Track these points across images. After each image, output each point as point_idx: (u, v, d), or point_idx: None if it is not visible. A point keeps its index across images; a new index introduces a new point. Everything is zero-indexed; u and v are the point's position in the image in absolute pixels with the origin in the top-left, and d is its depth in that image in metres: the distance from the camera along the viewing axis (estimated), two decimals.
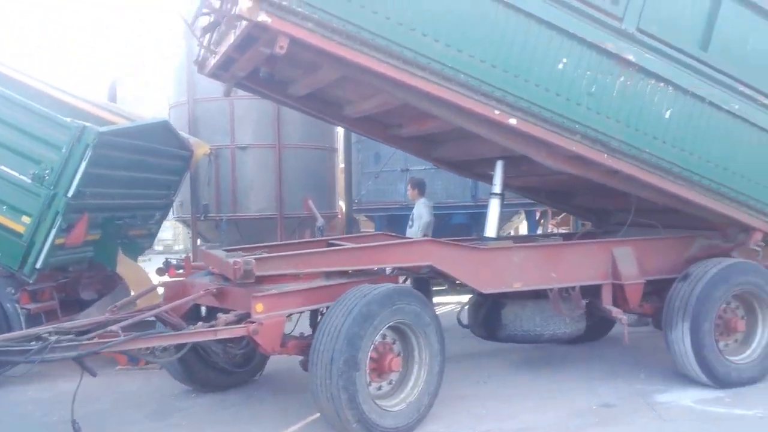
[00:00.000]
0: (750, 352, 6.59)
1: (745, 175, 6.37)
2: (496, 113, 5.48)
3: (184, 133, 9.83)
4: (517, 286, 6.38)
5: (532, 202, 10.11)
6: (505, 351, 8.01)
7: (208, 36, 6.23)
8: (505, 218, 12.37)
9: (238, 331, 4.99)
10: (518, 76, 5.44)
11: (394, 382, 5.47)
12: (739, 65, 6.24)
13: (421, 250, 6.06)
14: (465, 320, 7.27)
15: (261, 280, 5.50)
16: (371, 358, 5.27)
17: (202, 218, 11.43)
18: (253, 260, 5.13)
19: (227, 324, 5.12)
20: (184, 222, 12.48)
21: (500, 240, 6.77)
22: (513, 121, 5.56)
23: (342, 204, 13.65)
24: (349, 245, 6.16)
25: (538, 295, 6.65)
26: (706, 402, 6.07)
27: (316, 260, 5.64)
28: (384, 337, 5.37)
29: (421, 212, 9.32)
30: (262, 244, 6.77)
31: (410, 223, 9.63)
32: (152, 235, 9.70)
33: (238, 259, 5.13)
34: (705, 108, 6.13)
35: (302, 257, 5.61)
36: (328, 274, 5.74)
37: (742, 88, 6.23)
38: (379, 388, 5.37)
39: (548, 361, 7.66)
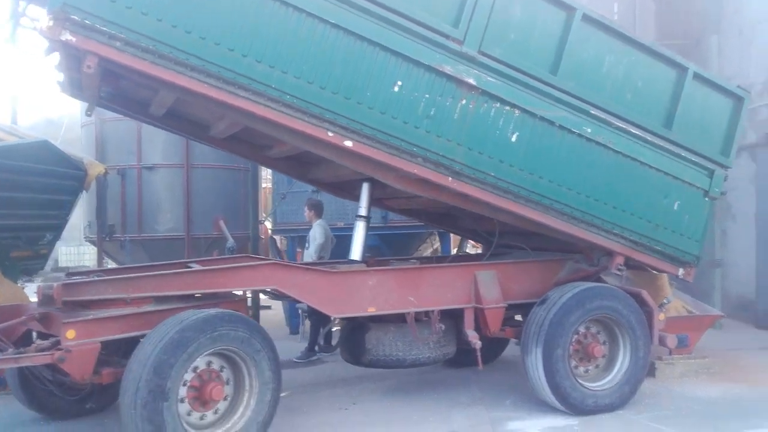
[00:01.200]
0: (610, 378, 6.50)
1: (600, 199, 6.33)
2: (330, 135, 5.39)
3: (77, 153, 9.64)
4: (372, 311, 6.25)
5: None
6: (387, 375, 7.86)
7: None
8: (419, 240, 12.31)
9: (41, 358, 4.81)
10: (349, 98, 5.35)
11: (220, 411, 5.30)
12: (593, 88, 6.24)
13: (266, 273, 5.92)
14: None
15: (89, 305, 5.33)
16: (193, 386, 5.11)
17: (108, 239, 11.22)
18: (55, 285, 4.96)
19: (38, 350, 4.93)
20: (92, 242, 12.24)
21: (354, 263, 6.64)
22: (349, 144, 5.47)
23: (268, 224, 13.48)
24: (192, 269, 6.00)
25: (403, 320, 6.54)
26: (554, 430, 5.96)
27: (145, 284, 5.47)
28: (209, 364, 5.21)
29: (315, 234, 9.22)
30: (102, 268, 6.59)
31: (306, 244, 9.52)
32: (43, 257, 9.45)
33: (42, 284, 4.95)
34: (555, 132, 6.10)
35: (130, 281, 5.45)
36: (161, 299, 5.57)
37: (594, 111, 6.21)
38: (202, 418, 5.19)
39: (422, 386, 7.52)
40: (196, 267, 6.19)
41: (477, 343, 6.36)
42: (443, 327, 6.55)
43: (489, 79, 5.78)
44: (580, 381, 6.34)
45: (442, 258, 7.53)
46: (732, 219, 11.57)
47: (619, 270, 6.64)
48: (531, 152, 6.03)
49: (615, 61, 6.33)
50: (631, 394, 6.48)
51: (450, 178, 5.83)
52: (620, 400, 6.42)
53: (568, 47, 6.07)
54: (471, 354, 7.32)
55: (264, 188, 15.58)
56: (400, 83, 5.49)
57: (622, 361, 6.52)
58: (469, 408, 6.64)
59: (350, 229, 11.49)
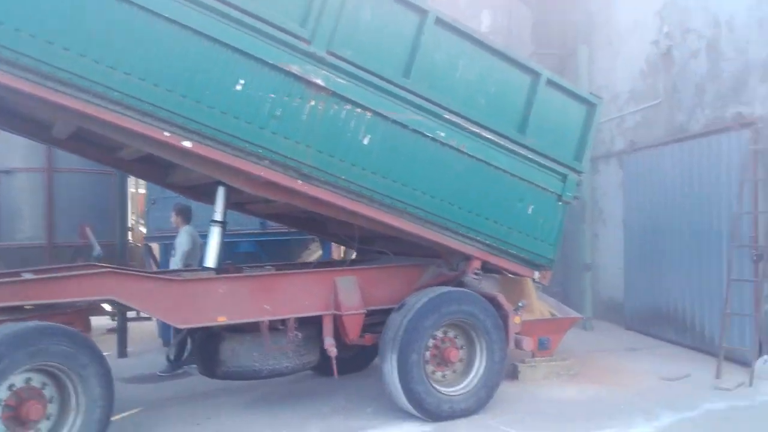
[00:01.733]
0: (467, 382, 6.49)
1: (455, 203, 6.33)
2: (166, 135, 5.11)
3: None
4: (222, 320, 5.98)
5: None
6: (254, 386, 7.56)
7: None
8: (301, 246, 12.06)
9: None
10: (186, 96, 5.09)
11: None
12: (447, 92, 6.23)
13: (101, 282, 5.54)
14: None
15: None
16: (8, 405, 4.70)
17: None
18: None
19: None
20: None
21: (201, 271, 6.35)
22: (188, 144, 5.20)
23: (144, 230, 12.85)
24: (23, 278, 5.55)
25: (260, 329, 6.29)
26: None
27: None
28: (28, 381, 4.80)
29: (182, 240, 8.83)
30: None
31: (173, 252, 9.10)
32: None
33: None
34: (408, 135, 6.04)
35: None
36: None
37: (448, 115, 6.20)
38: None
39: (287, 397, 7.29)
40: (28, 276, 5.73)
41: (332, 351, 6.20)
42: (299, 335, 6.36)
43: (339, 80, 5.65)
44: (436, 386, 6.30)
45: (305, 264, 7.35)
46: (603, 223, 11.99)
47: (476, 274, 6.64)
48: (384, 155, 5.94)
49: (469, 65, 6.36)
50: (488, 397, 6.49)
51: (299, 181, 5.66)
52: (477, 404, 6.41)
53: (421, 50, 6.04)
54: (344, 362, 7.24)
55: (142, 194, 14.93)
56: (243, 82, 5.27)
57: (479, 365, 6.53)
58: (327, 419, 6.47)
59: (230, 235, 11.35)
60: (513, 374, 7.76)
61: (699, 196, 8.93)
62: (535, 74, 6.69)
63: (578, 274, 11.55)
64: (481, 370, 6.51)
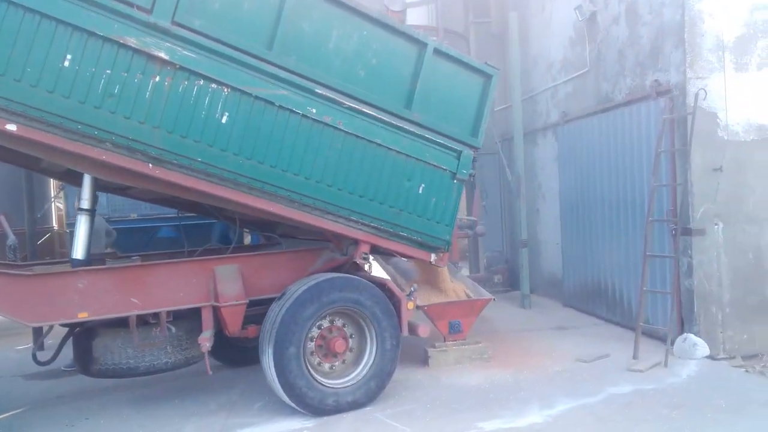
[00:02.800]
0: (356, 373, 6.13)
1: (333, 185, 5.91)
2: None
3: None
4: (84, 316, 5.58)
5: None
6: (149, 382, 7.12)
7: None
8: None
9: None
10: (5, 75, 4.63)
11: None
12: (319, 66, 5.78)
13: None
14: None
15: None
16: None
17: None
18: None
19: None
20: None
21: (51, 264, 5.92)
22: (12, 128, 4.76)
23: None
24: None
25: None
26: None
27: None
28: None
29: None
30: None
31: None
32: None
33: None
34: (275, 112, 5.61)
35: None
36: None
37: (321, 90, 5.75)
38: None
39: (177, 393, 6.89)
40: None
41: (203, 346, 5.79)
42: (173, 329, 5.97)
43: (187, 53, 5.19)
44: (322, 379, 5.94)
45: (190, 253, 6.91)
46: (542, 198, 11.60)
47: (363, 258, 6.24)
48: (248, 135, 5.50)
49: (344, 35, 5.89)
50: (379, 388, 6.13)
51: (150, 165, 5.22)
52: (366, 396, 6.05)
53: (285, 20, 5.58)
54: (249, 352, 7.01)
55: None
56: (70, 57, 4.81)
57: (370, 354, 6.17)
58: (210, 416, 6.10)
59: (150, 219, 10.92)
60: (424, 360, 7.41)
61: (623, 168, 8.55)
62: (421, 44, 6.24)
63: (518, 250, 11.19)
64: (372, 360, 6.14)
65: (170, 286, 5.92)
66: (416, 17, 11.04)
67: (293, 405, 5.80)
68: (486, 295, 7.71)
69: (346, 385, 6.02)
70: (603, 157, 9.06)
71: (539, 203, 11.71)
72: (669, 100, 7.53)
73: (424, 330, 6.48)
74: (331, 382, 6.00)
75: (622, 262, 8.72)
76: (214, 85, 5.33)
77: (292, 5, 5.57)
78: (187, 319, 6.08)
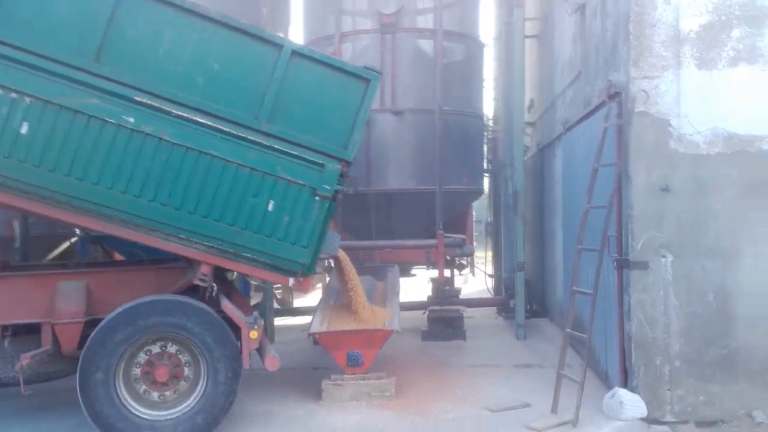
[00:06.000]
0: (185, 405, 5.61)
1: (156, 199, 5.43)
2: None
3: None
4: None
5: None
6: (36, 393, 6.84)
7: None
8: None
9: None
10: None
11: None
12: (141, 70, 5.40)
13: None
14: None
15: None
16: None
17: None
18: None
19: None
20: None
21: None
22: None
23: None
24: None
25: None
26: None
27: None
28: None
29: None
30: None
31: None
32: None
33: None
34: (85, 122, 5.27)
35: None
36: None
37: (141, 97, 5.33)
38: None
39: (48, 407, 6.61)
40: None
41: (19, 365, 5.52)
42: (6, 344, 5.81)
43: None
44: (138, 409, 5.50)
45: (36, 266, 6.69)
46: (556, 215, 10.28)
47: (202, 280, 5.70)
48: (53, 147, 5.20)
49: (179, 40, 5.44)
50: (208, 425, 5.55)
51: None
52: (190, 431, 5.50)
53: (101, 24, 5.25)
54: None
55: None
56: None
57: (202, 386, 5.62)
58: None
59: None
60: (318, 394, 6.71)
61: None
62: (275, 46, 5.61)
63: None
64: (202, 392, 5.60)
65: (9, 299, 5.77)
66: (430, 22, 10.22)
67: None
68: (390, 326, 6.81)
69: (168, 417, 5.53)
70: (581, 171, 7.77)
71: (555, 222, 10.40)
72: (618, 104, 6.24)
73: (272, 362, 5.80)
74: (153, 413, 5.54)
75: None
76: (13, 95, 5.09)
77: (110, 9, 5.20)
78: (33, 335, 5.88)
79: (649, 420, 5.83)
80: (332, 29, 9.78)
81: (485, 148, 13.49)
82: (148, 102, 5.33)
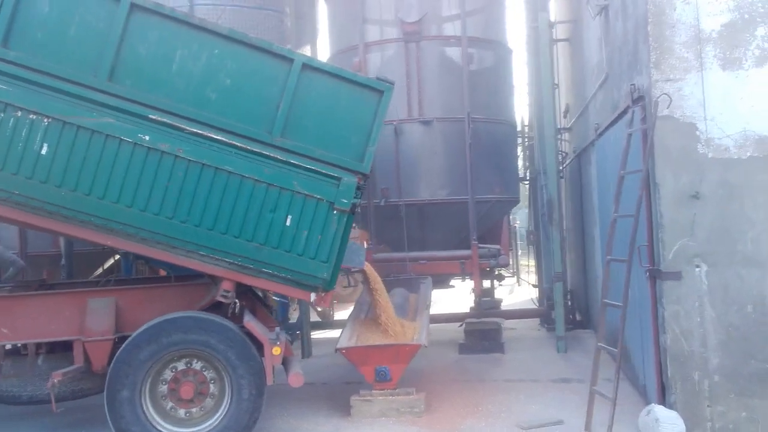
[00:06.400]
0: (210, 422, 5.63)
1: (176, 217, 5.48)
2: None
3: None
4: None
5: None
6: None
7: None
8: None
9: None
10: None
11: None
12: (158, 90, 5.50)
13: None
14: None
15: None
16: None
17: None
18: None
19: None
20: None
21: None
22: None
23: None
24: None
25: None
26: None
27: None
28: None
29: None
30: None
31: None
32: None
33: None
34: (102, 142, 5.37)
35: None
36: None
37: (156, 115, 5.41)
38: None
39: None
40: None
41: (50, 382, 5.62)
42: (39, 362, 5.95)
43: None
44: (165, 426, 5.56)
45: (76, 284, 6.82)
46: (596, 224, 10.02)
47: (224, 296, 5.72)
48: (71, 167, 5.30)
49: (190, 56, 5.50)
50: None
51: None
52: None
53: (114, 43, 5.35)
54: None
55: None
56: None
57: (227, 403, 5.64)
58: None
59: None
60: (347, 409, 6.66)
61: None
62: (286, 59, 5.62)
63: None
64: (227, 410, 5.61)
65: (42, 317, 5.92)
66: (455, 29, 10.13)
67: None
68: (417, 341, 6.71)
69: None
70: (612, 178, 7.54)
71: (594, 229, 10.14)
72: (641, 108, 6.04)
73: (296, 379, 5.78)
74: (180, 430, 5.59)
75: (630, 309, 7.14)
76: (33, 116, 5.22)
77: (129, 29, 5.29)
78: (67, 352, 6.00)
79: None
80: (357, 40, 9.74)
81: (522, 156, 13.38)
82: (163, 120, 5.40)
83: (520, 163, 13.70)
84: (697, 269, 5.69)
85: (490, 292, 11.93)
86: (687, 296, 5.69)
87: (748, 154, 5.66)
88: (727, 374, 5.63)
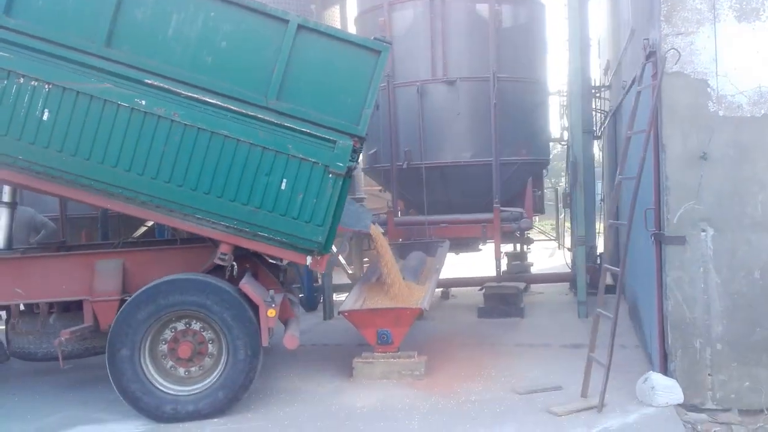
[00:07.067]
0: (207, 382, 5.77)
1: (172, 180, 5.54)
2: None
3: None
4: None
5: None
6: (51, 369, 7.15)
7: None
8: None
9: None
10: None
11: None
12: (152, 53, 5.53)
13: None
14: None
15: None
16: None
17: None
18: None
19: None
20: None
21: None
22: None
23: None
24: None
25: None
26: None
27: None
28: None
29: None
30: None
31: None
32: None
33: None
34: (100, 106, 5.44)
35: None
36: None
37: (151, 80, 5.46)
38: None
39: (68, 385, 6.88)
40: None
41: (58, 340, 5.86)
42: (51, 320, 6.21)
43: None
44: (163, 384, 5.71)
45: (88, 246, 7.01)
46: None
47: (221, 258, 5.81)
48: (72, 132, 5.42)
49: (186, 19, 5.51)
50: (229, 400, 5.69)
51: None
52: (211, 407, 5.67)
53: (111, 8, 5.40)
54: None
55: None
56: None
57: (224, 363, 5.77)
58: (60, 412, 6.07)
59: None
60: (348, 371, 6.74)
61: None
62: (281, 21, 5.57)
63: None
64: (224, 369, 5.74)
65: (52, 278, 6.14)
66: None
67: (132, 408, 5.67)
68: (418, 304, 6.68)
69: (190, 393, 5.72)
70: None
71: (626, 193, 9.81)
72: (652, 64, 5.76)
73: (290, 341, 5.87)
74: (179, 388, 5.75)
75: (643, 275, 6.94)
76: (34, 83, 5.35)
77: None
78: (78, 311, 6.24)
79: (687, 407, 5.43)
80: None
81: (558, 116, 13.01)
82: (159, 84, 5.45)
83: (558, 123, 13.34)
84: (703, 233, 5.45)
85: (521, 255, 11.79)
86: (691, 262, 5.48)
87: (763, 111, 5.35)
88: (730, 342, 5.44)
